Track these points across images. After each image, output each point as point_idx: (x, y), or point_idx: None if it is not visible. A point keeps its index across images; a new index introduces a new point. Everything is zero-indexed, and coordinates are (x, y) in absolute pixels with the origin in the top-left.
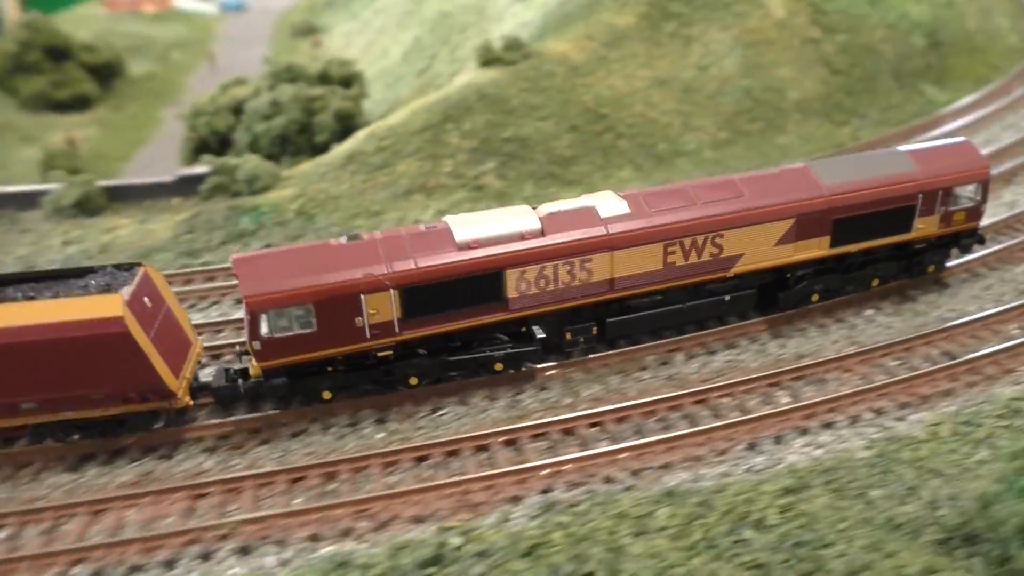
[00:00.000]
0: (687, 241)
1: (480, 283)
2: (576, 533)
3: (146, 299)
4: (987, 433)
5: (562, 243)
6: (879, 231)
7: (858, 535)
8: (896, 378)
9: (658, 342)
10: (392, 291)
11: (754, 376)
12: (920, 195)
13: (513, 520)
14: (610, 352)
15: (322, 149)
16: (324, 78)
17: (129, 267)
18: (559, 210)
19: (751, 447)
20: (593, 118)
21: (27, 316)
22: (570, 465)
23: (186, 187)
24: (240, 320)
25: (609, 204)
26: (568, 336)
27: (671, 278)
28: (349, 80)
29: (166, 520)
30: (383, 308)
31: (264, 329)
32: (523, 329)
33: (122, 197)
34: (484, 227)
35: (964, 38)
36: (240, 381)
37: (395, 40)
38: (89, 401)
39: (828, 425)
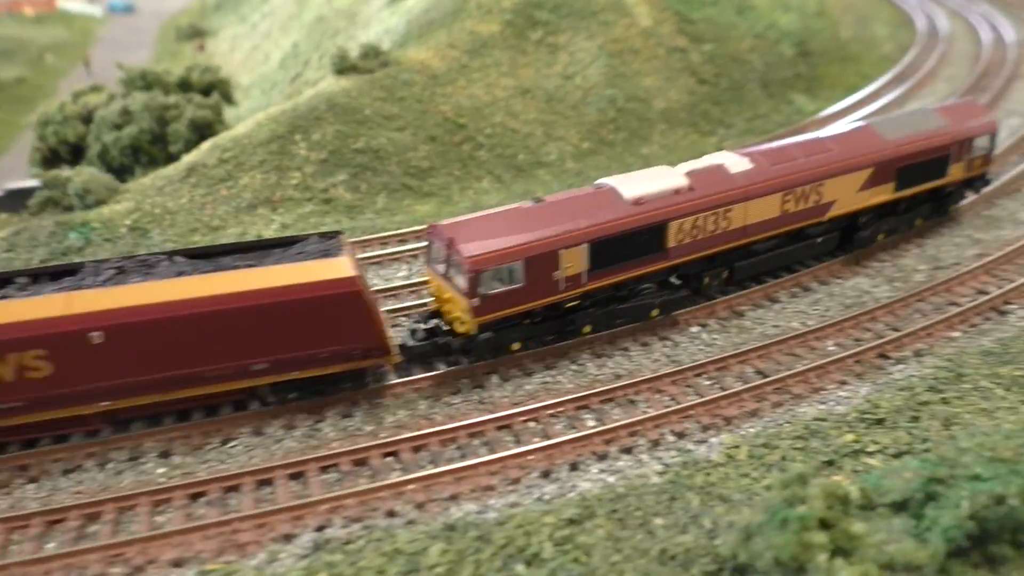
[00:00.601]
0: (798, 190)
1: (648, 235)
2: (343, 574)
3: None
4: (781, 456)
5: (712, 196)
6: (927, 177)
7: (628, 568)
8: (701, 399)
9: (474, 364)
10: (584, 245)
11: (563, 399)
12: (953, 145)
13: (280, 560)
14: (420, 376)
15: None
16: (185, 85)
17: (331, 235)
18: (696, 168)
19: (546, 475)
20: (452, 128)
21: (260, 281)
22: (352, 499)
23: (14, 202)
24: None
25: (733, 161)
26: (707, 280)
27: (784, 224)
28: (211, 87)
29: None
30: (575, 262)
31: (482, 287)
32: (674, 277)
33: None
34: (645, 185)
35: (837, 47)
36: (436, 339)
37: (277, 45)
38: (316, 360)
39: (628, 450)
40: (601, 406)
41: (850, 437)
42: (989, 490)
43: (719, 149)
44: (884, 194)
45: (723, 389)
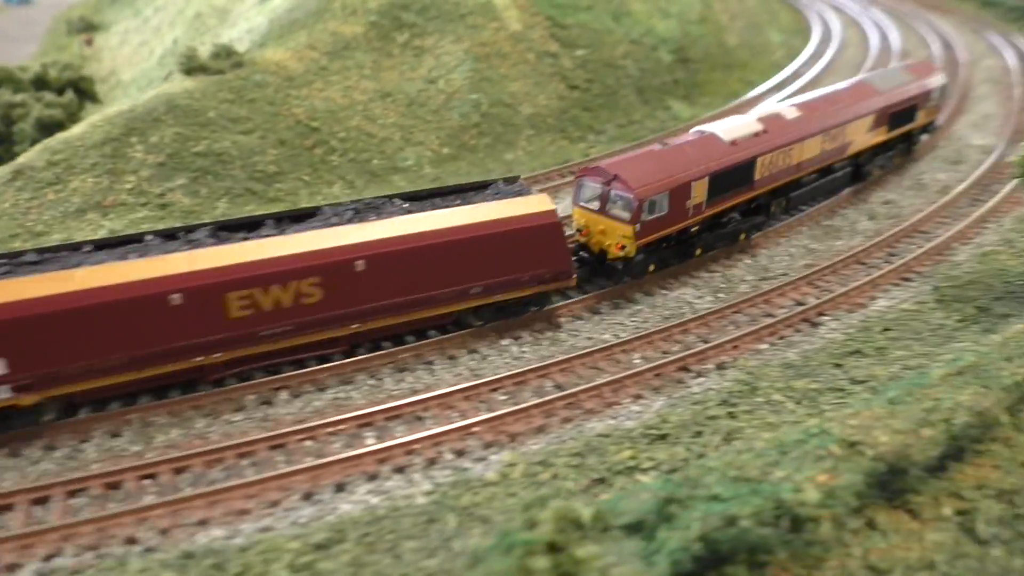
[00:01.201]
0: (832, 132)
1: (743, 170)
2: None
3: None
4: (554, 474)
5: (782, 138)
6: (906, 121)
7: None
8: (487, 415)
9: (264, 379)
10: (706, 179)
11: (347, 416)
12: (921, 96)
13: None
14: (201, 393)
15: None
16: (40, 83)
17: (513, 179)
18: (764, 115)
19: (307, 497)
20: (304, 132)
21: (483, 215)
22: (89, 526)
23: None
24: None
25: (786, 110)
26: (773, 208)
27: (822, 160)
28: (70, 85)
29: None
30: (700, 193)
31: (644, 214)
32: (753, 205)
33: None
34: (736, 131)
35: (722, 53)
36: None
37: (161, 41)
38: (518, 284)
39: (401, 469)
40: (386, 423)
41: (628, 454)
42: (723, 511)
43: (587, 156)
44: (882, 135)
45: (516, 404)
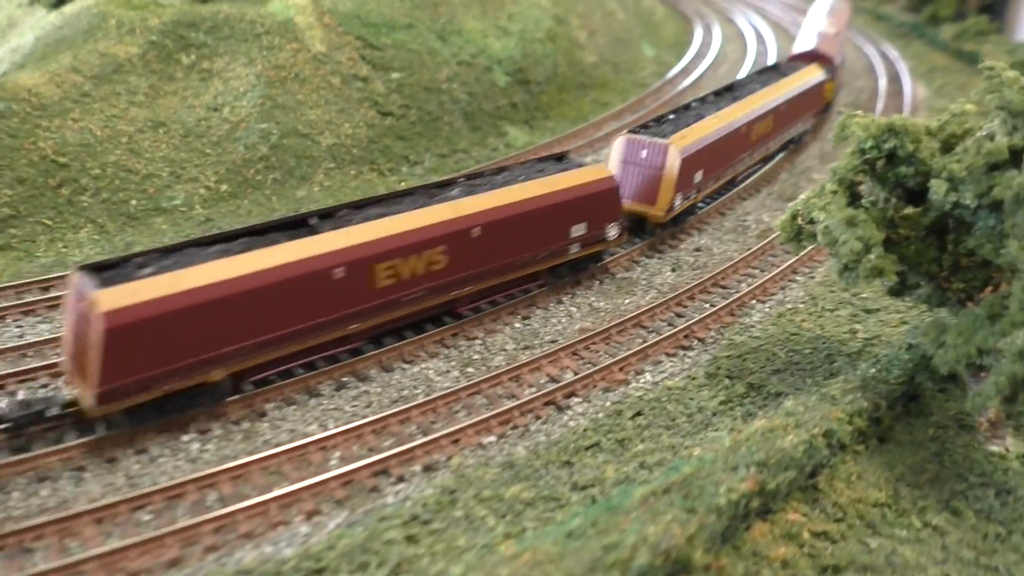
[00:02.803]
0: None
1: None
2: None
3: None
4: None
5: None
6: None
7: None
8: (102, 550)
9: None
10: None
11: None
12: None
13: None
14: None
15: None
16: None
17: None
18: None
19: None
20: (50, 169)
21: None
22: None
23: None
24: None
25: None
26: None
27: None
28: None
29: None
30: None
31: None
32: None
33: None
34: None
35: (575, 73)
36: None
37: None
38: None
39: None
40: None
41: None
42: None
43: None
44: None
45: (156, 530)
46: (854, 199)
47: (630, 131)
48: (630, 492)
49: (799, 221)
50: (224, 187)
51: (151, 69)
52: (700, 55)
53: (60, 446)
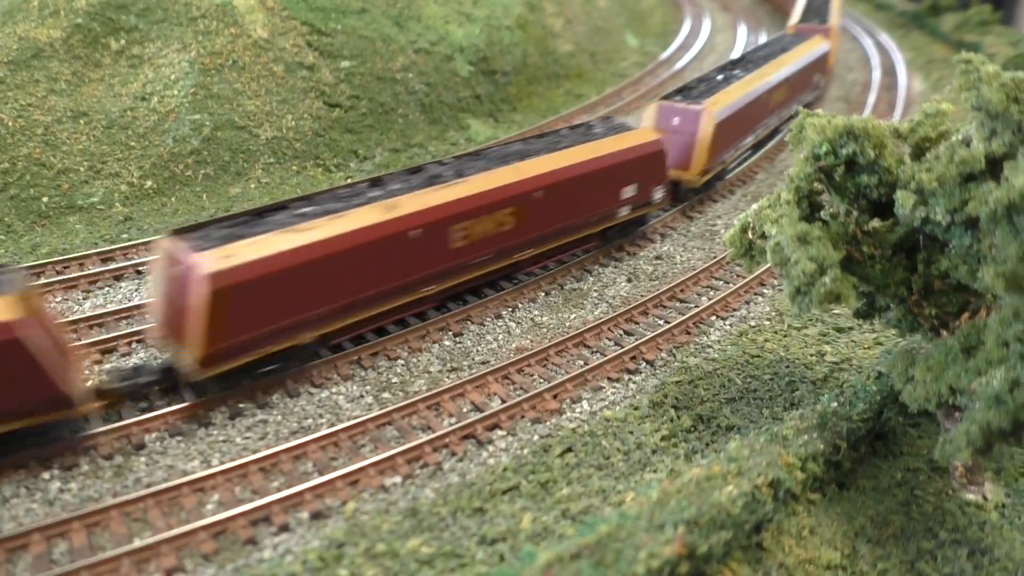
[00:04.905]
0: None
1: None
2: None
3: None
4: None
5: None
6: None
7: None
8: None
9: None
10: None
11: None
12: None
13: None
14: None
15: None
16: None
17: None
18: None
19: None
20: None
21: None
22: None
23: None
24: None
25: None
26: None
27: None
28: None
29: None
30: None
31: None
32: None
33: None
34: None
35: (547, 63)
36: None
37: None
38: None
39: None
40: None
41: None
42: None
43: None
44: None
45: None
46: (813, 211)
47: (662, 97)
48: (534, 556)
49: (750, 235)
50: (149, 183)
51: (75, 55)
52: (684, 47)
53: None
